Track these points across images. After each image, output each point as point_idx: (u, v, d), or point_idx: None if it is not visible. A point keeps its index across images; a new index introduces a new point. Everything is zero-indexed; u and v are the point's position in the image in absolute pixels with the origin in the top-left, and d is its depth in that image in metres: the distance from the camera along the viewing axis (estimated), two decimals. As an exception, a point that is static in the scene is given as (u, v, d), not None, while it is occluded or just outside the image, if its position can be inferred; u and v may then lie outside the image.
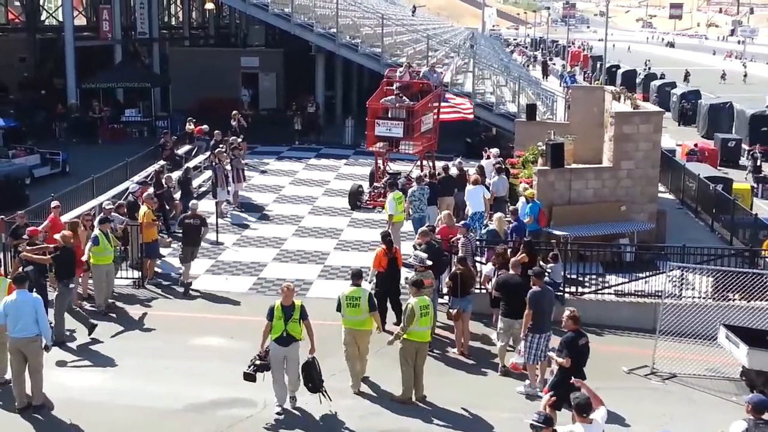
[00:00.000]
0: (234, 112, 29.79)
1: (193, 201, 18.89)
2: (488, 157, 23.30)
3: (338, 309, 12.68)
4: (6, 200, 19.52)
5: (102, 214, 17.13)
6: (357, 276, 12.86)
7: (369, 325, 12.82)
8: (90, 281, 16.98)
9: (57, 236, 15.17)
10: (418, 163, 24.44)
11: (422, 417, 12.06)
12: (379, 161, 24.21)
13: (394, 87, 23.99)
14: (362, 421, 11.91)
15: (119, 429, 11.63)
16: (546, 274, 14.05)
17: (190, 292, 16.99)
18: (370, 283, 15.74)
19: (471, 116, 26.34)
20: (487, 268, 15.39)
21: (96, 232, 15.96)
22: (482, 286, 15.61)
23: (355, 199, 23.54)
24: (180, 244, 17.98)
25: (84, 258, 15.78)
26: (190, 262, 17.44)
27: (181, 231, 17.90)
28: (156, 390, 12.71)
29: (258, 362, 12.00)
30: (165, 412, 12.09)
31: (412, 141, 23.20)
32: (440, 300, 15.30)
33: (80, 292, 16.49)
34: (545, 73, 68.58)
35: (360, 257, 19.09)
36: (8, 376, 12.37)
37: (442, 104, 24.84)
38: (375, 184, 24.01)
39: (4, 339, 12.21)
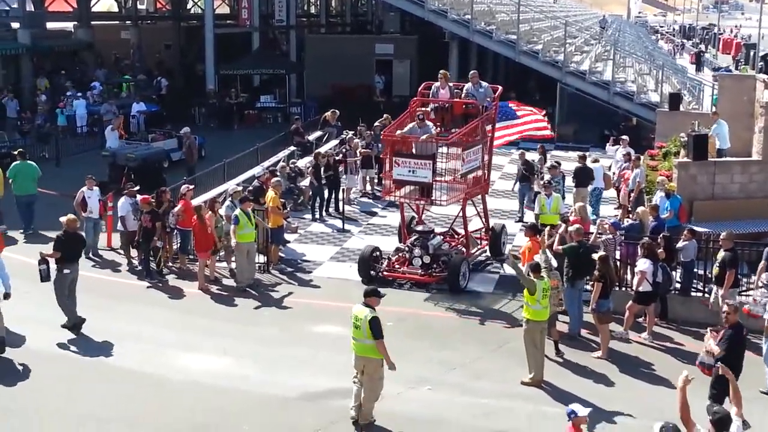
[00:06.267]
0: (386, 116, 29.28)
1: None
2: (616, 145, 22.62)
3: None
4: (144, 182, 20.11)
5: (244, 194, 17.62)
6: (368, 294, 11.01)
7: (372, 354, 10.75)
8: (219, 264, 17.33)
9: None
10: (460, 214, 17.69)
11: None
12: (409, 213, 18.25)
13: (429, 109, 17.88)
14: (475, 420, 11.45)
15: (232, 415, 11.57)
16: None
17: None
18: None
19: (547, 132, 20.50)
20: (645, 265, 13.87)
21: (237, 211, 16.46)
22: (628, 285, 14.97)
23: (368, 267, 16.74)
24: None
25: (232, 239, 16.35)
26: None
27: None
28: (272, 377, 12.64)
29: None
30: (279, 399, 11.98)
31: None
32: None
33: (207, 274, 16.74)
34: (698, 63, 63.71)
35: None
36: None
37: (508, 123, 19.09)
38: (399, 245, 17.69)
39: None
